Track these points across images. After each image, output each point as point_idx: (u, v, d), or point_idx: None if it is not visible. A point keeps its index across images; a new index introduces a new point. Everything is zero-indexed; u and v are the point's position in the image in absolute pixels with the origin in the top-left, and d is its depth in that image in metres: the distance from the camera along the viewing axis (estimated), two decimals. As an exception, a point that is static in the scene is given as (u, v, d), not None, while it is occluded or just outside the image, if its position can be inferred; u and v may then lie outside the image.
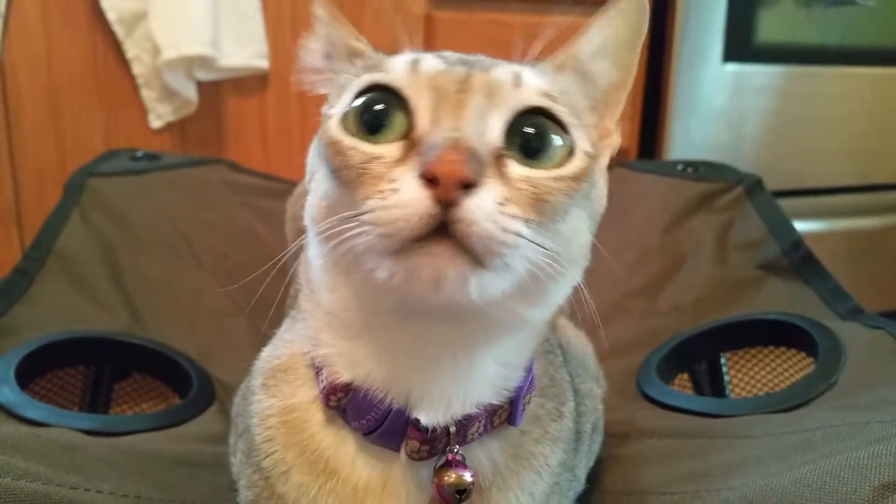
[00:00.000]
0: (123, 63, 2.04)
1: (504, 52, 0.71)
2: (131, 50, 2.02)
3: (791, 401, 1.05)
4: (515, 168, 0.61)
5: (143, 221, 1.50)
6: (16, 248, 2.03)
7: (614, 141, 0.75)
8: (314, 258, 0.70)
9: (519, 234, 0.57)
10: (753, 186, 1.61)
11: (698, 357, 1.31)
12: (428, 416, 0.68)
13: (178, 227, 1.54)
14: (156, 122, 2.08)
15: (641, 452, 1.04)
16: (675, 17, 2.28)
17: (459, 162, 0.55)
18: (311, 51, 0.78)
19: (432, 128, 0.60)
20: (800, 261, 1.40)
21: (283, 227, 1.40)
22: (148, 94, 2.06)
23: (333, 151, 0.63)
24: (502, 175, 0.59)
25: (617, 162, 1.90)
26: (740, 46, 2.35)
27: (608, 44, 0.73)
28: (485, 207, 0.55)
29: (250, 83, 2.15)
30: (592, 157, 0.66)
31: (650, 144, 2.41)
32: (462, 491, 0.69)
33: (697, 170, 1.75)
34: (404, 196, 0.56)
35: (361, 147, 0.62)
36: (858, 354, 1.10)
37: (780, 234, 1.47)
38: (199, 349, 1.32)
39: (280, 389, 0.77)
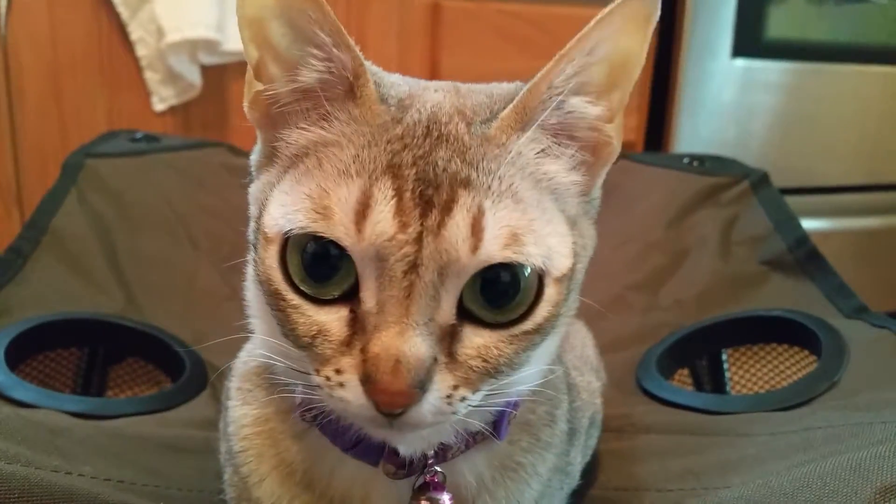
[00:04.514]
0: (127, 44, 2.01)
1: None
2: (136, 31, 2.00)
3: (792, 399, 1.04)
4: (470, 339, 0.57)
5: (141, 203, 1.48)
6: (16, 227, 2.00)
7: (615, 148, 0.66)
8: (249, 284, 0.68)
9: (466, 402, 0.57)
10: (759, 181, 1.59)
11: (699, 353, 1.30)
12: (405, 447, 0.65)
13: (175, 209, 1.52)
14: (159, 105, 2.06)
15: (639, 448, 1.02)
16: (685, 10, 2.25)
17: (401, 393, 0.53)
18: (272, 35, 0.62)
19: (377, 318, 0.54)
20: (805, 257, 1.38)
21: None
22: (151, 77, 2.04)
23: (276, 298, 0.59)
24: (452, 356, 0.56)
25: (621, 154, 1.88)
26: (750, 41, 2.32)
27: (605, 48, 0.59)
28: (429, 409, 0.55)
29: (255, 68, 2.13)
30: (566, 272, 0.59)
31: (657, 138, 2.38)
32: None
33: (703, 163, 1.73)
34: (348, 395, 0.55)
35: (307, 311, 0.57)
36: (862, 354, 1.08)
37: (785, 229, 1.45)
38: (194, 333, 1.30)
39: (254, 395, 0.73)
